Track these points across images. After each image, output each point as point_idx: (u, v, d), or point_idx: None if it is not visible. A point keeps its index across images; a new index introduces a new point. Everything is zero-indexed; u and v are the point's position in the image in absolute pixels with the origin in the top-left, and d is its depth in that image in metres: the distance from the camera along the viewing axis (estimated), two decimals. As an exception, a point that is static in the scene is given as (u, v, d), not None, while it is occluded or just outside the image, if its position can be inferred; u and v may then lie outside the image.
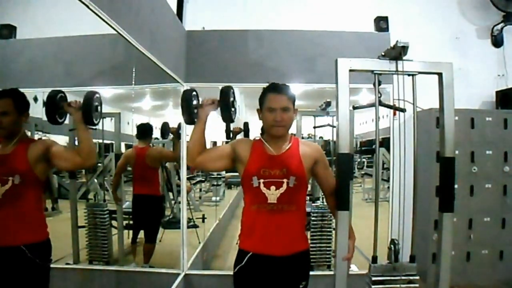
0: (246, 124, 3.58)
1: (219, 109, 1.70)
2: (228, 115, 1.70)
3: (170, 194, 4.00)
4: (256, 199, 1.62)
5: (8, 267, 1.56)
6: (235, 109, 1.77)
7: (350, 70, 1.62)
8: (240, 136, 3.62)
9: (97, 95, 1.73)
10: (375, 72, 1.68)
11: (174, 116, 3.32)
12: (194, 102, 1.71)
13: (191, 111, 1.68)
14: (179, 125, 3.09)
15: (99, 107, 1.73)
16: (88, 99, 1.67)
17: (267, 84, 1.72)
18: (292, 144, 1.69)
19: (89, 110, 1.67)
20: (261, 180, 1.61)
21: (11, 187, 1.57)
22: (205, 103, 1.69)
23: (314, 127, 4.23)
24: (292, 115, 1.67)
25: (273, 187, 1.60)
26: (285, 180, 1.61)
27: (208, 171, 1.57)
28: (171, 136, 3.22)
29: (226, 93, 1.69)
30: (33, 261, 1.59)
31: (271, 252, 1.60)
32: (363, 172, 5.41)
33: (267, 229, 1.61)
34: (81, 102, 1.68)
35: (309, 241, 3.28)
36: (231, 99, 1.70)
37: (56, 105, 1.70)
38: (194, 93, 1.73)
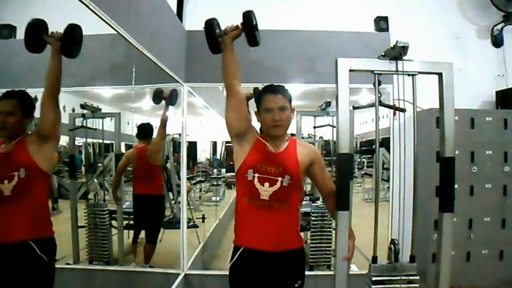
0: (256, 89, 3.52)
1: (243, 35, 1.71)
2: (254, 39, 1.72)
3: (170, 194, 4.00)
4: (248, 193, 1.64)
5: (17, 263, 1.57)
6: (259, 32, 1.76)
7: (350, 70, 1.62)
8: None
9: (79, 28, 1.70)
10: (375, 72, 1.68)
11: (174, 116, 3.31)
12: (217, 31, 1.71)
13: (216, 39, 1.69)
14: (172, 91, 3.10)
15: (79, 41, 1.70)
16: (69, 30, 1.65)
17: (264, 86, 1.73)
18: (289, 144, 1.71)
19: (69, 41, 1.64)
20: (256, 175, 1.62)
21: (18, 182, 1.58)
22: (228, 29, 1.71)
23: (314, 127, 4.23)
24: (290, 114, 1.68)
25: (266, 184, 1.61)
26: (279, 179, 1.62)
27: (229, 100, 1.51)
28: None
29: (248, 16, 1.70)
30: (41, 257, 1.60)
31: (261, 247, 1.61)
32: (363, 172, 5.42)
33: (258, 224, 1.62)
34: (61, 33, 1.65)
35: (309, 241, 3.34)
36: (254, 22, 1.71)
37: (36, 33, 1.66)
38: (216, 22, 1.74)
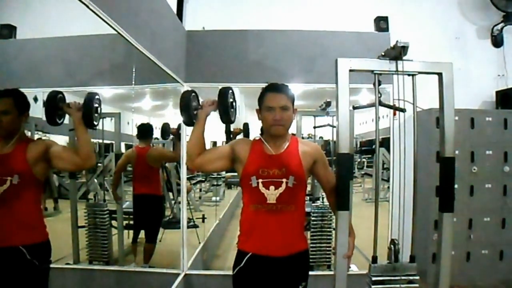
0: (246, 125, 3.57)
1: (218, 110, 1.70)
2: (227, 117, 1.70)
3: (170, 194, 4.00)
4: (254, 199, 1.62)
5: (6, 268, 1.56)
6: (235, 110, 1.76)
7: (350, 70, 1.62)
8: (239, 137, 3.61)
9: (97, 96, 1.74)
10: (375, 72, 1.68)
11: (174, 116, 3.31)
12: (194, 104, 1.70)
13: (191, 112, 1.68)
14: (179, 125, 3.10)
15: (99, 109, 1.73)
16: (89, 100, 1.68)
17: (266, 84, 1.72)
18: (291, 143, 1.70)
19: (90, 111, 1.67)
20: (260, 180, 1.61)
21: (9, 187, 1.57)
22: (205, 104, 1.69)
23: (314, 127, 4.23)
24: (292, 114, 1.67)
25: (272, 187, 1.60)
26: (284, 180, 1.61)
27: (208, 172, 1.58)
28: (171, 137, 3.23)
29: (224, 94, 1.68)
30: (31, 262, 1.58)
31: (270, 253, 1.60)
32: (363, 172, 5.41)
33: (266, 229, 1.60)
34: (81, 104, 1.68)
35: (309, 241, 3.33)
36: (230, 100, 1.69)
37: (55, 106, 1.70)
38: (194, 94, 1.73)
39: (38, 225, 1.68)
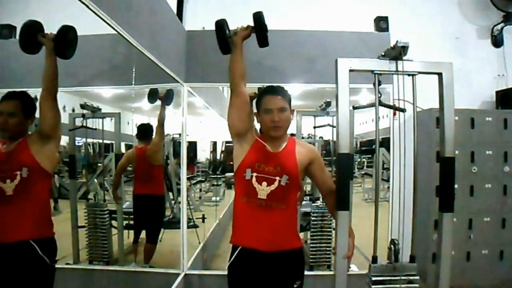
0: (260, 89, 3.50)
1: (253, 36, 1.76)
2: (264, 39, 1.76)
3: (170, 194, 4.00)
4: (246, 192, 1.64)
5: (18, 262, 1.57)
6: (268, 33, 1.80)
7: (350, 70, 1.62)
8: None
9: (73, 30, 1.71)
10: (375, 72, 1.68)
11: (173, 115, 3.31)
12: (227, 32, 1.76)
13: (226, 40, 1.74)
14: (168, 91, 3.12)
15: (73, 42, 1.71)
16: (63, 31, 1.66)
17: (264, 86, 1.75)
18: (288, 143, 1.72)
19: (62, 42, 1.66)
20: (254, 174, 1.63)
21: (20, 182, 1.58)
22: (239, 30, 1.75)
23: (314, 127, 4.23)
24: (289, 115, 1.69)
25: (264, 183, 1.62)
26: (277, 178, 1.63)
27: (234, 99, 1.58)
28: (159, 102, 3.19)
29: (259, 17, 1.74)
30: (42, 258, 1.60)
31: (260, 247, 1.62)
32: (363, 172, 5.42)
33: (256, 224, 1.62)
34: (55, 34, 1.67)
35: (309, 241, 3.33)
36: (265, 23, 1.75)
37: (30, 35, 1.68)
38: (225, 22, 1.78)
39: (48, 219, 1.70)
